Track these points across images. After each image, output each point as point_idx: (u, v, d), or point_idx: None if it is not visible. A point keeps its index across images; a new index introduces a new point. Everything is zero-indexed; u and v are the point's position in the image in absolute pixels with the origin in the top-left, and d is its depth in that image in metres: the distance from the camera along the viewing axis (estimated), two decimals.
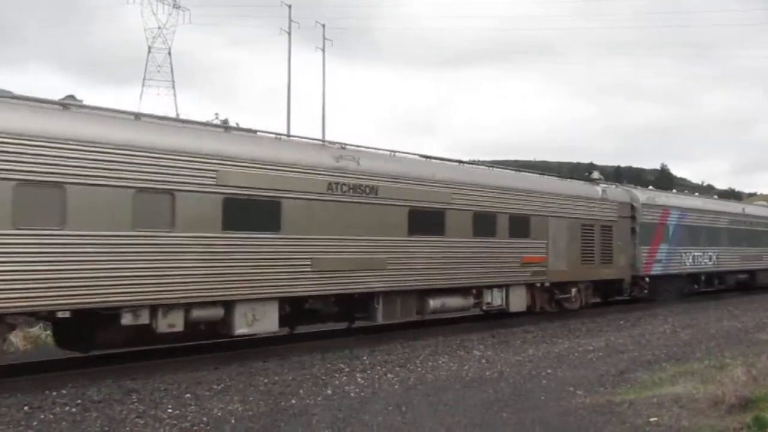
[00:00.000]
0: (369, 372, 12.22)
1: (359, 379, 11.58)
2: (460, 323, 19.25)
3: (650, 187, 31.92)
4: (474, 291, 18.13)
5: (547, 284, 20.51)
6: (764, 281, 35.11)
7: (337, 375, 11.94)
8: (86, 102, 12.61)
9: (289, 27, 41.19)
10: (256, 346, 14.77)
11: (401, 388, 10.93)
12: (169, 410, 9.39)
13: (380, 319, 15.76)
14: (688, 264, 27.91)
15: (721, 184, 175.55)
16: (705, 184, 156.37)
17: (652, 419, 8.71)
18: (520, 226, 19.37)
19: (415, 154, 17.92)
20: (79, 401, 9.75)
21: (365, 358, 13.61)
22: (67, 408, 9.41)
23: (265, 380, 11.39)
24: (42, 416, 9.00)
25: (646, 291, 25.64)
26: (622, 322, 20.43)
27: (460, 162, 19.78)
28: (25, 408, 9.35)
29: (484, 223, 18.20)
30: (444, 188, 17.20)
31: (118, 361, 12.48)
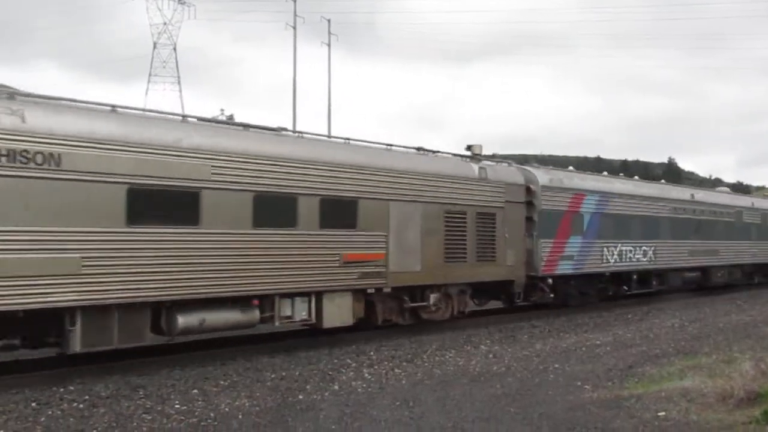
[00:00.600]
0: (376, 367, 12.22)
1: (366, 375, 11.58)
2: (465, 318, 19.21)
3: (570, 168, 26.17)
4: (257, 301, 13.28)
5: (387, 289, 15.69)
6: (721, 280, 29.46)
7: (344, 370, 11.94)
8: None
9: (294, 22, 41.16)
10: (262, 342, 14.79)
11: (408, 383, 10.92)
12: (177, 406, 9.40)
13: (78, 347, 10.87)
14: (612, 261, 22.65)
15: (729, 178, 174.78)
16: (713, 177, 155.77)
17: (660, 413, 8.67)
18: (339, 212, 14.50)
19: (153, 112, 13.53)
20: (86, 397, 9.78)
21: (372, 353, 13.61)
22: (75, 404, 9.44)
23: (272, 376, 11.40)
24: (50, 412, 9.03)
25: (551, 295, 20.61)
26: (629, 317, 20.38)
27: (233, 123, 14.23)
28: (33, 404, 9.38)
29: (274, 209, 13.47)
30: (196, 159, 12.32)
31: (125, 357, 12.51)
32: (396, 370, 11.95)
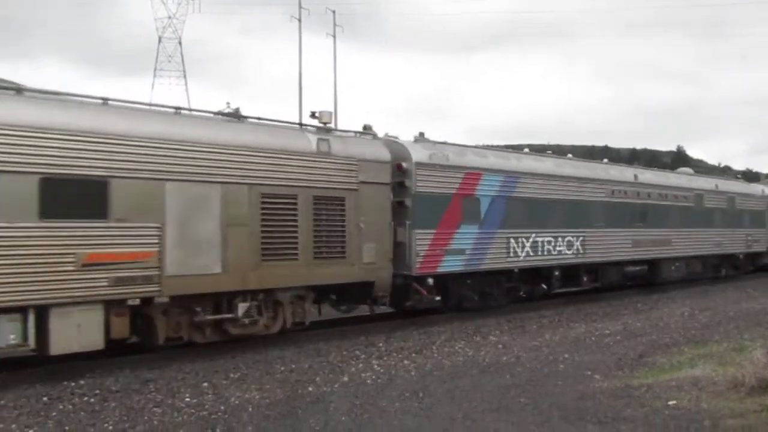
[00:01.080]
0: (385, 359, 12.22)
1: (376, 366, 11.58)
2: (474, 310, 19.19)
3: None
4: None
5: (163, 299, 11.88)
6: (676, 274, 25.68)
7: (353, 362, 11.95)
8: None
9: (299, 14, 41.00)
10: (271, 334, 14.81)
11: (418, 375, 10.92)
12: (187, 399, 9.44)
13: None
14: (522, 255, 18.77)
15: (738, 165, 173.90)
16: (722, 165, 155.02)
17: (671, 402, 8.64)
18: (77, 197, 10.96)
19: None
20: (97, 391, 9.82)
21: (381, 345, 13.61)
22: (86, 398, 9.48)
23: (282, 368, 11.42)
24: (61, 406, 9.07)
25: (437, 298, 16.94)
26: (639, 305, 20.31)
27: None
28: (44, 398, 9.43)
29: None
30: None
31: (135, 351, 12.55)
32: (405, 362, 11.96)
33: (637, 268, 23.73)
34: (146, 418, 8.58)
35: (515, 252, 18.59)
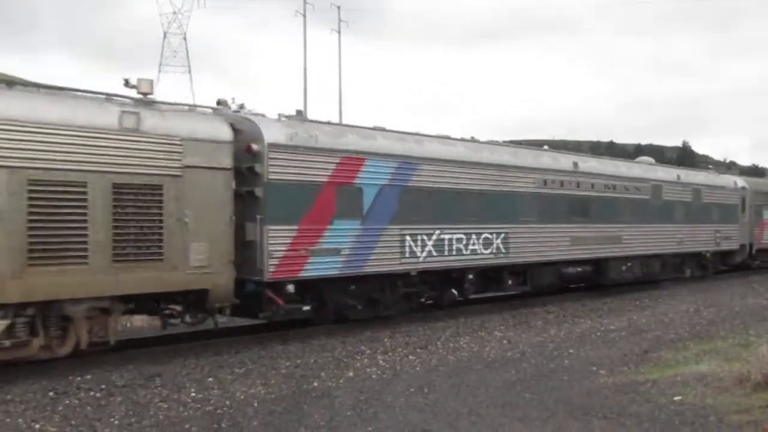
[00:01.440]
0: (390, 354, 12.23)
1: (381, 362, 11.59)
2: (479, 304, 19.19)
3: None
4: None
5: None
6: (628, 275, 22.60)
7: (358, 357, 11.96)
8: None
9: (304, 9, 40.96)
10: (278, 329, 14.84)
11: (423, 370, 10.93)
12: (193, 394, 9.46)
13: None
14: (422, 255, 15.76)
15: (744, 160, 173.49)
16: (728, 160, 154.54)
17: (676, 398, 8.64)
18: None
19: None
20: (103, 386, 9.84)
21: (386, 340, 13.62)
22: (92, 393, 9.51)
23: (287, 363, 11.44)
24: (67, 401, 9.10)
25: (305, 308, 13.89)
26: (644, 301, 20.28)
27: None
28: (51, 393, 9.46)
29: None
30: None
31: (140, 346, 12.59)
32: (410, 357, 11.96)
33: (579, 269, 20.68)
34: (152, 412, 8.61)
35: (412, 252, 15.57)
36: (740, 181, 30.13)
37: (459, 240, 16.57)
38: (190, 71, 78.56)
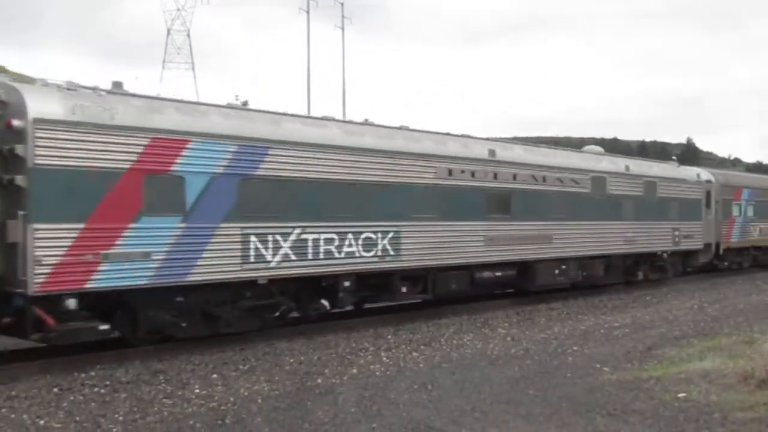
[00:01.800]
0: (394, 351, 12.24)
1: (384, 358, 11.60)
2: (484, 301, 19.19)
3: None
4: None
5: None
6: (562, 279, 19.60)
7: (362, 354, 11.97)
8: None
9: (308, 6, 40.97)
10: (280, 326, 14.86)
11: (426, 367, 10.93)
12: (197, 390, 9.48)
13: None
14: (274, 258, 12.95)
15: (749, 158, 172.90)
16: (732, 157, 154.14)
17: (680, 395, 8.63)
18: None
19: None
20: (107, 382, 9.87)
21: (390, 337, 13.63)
22: (96, 389, 9.54)
23: (291, 360, 11.46)
24: (72, 397, 9.13)
25: (103, 327, 11.00)
26: (648, 298, 20.26)
27: None
28: (55, 389, 9.49)
29: None
30: None
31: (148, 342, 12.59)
32: (414, 354, 11.97)
33: (498, 273, 17.74)
34: (156, 409, 8.63)
35: (260, 255, 12.78)
36: (705, 174, 27.10)
37: (329, 240, 13.81)
38: (193, 68, 78.60)
